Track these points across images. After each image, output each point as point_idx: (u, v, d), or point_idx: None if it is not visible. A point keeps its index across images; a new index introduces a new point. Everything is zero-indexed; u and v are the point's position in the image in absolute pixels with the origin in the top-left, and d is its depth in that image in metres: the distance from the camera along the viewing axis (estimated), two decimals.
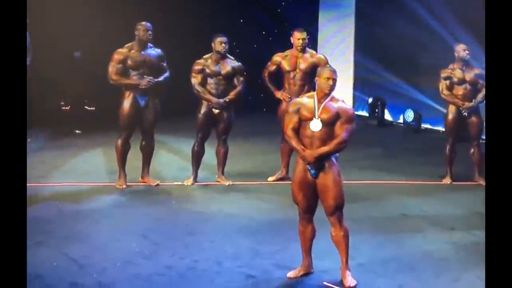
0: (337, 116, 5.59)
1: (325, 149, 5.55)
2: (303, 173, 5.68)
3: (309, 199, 5.73)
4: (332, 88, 5.64)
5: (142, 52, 8.54)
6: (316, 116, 5.59)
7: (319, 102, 5.64)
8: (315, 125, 5.59)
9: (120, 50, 8.55)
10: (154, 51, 8.63)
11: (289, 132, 5.70)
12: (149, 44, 8.61)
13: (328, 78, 5.64)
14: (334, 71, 5.71)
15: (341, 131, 5.57)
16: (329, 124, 5.58)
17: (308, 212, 5.80)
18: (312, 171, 5.62)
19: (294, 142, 5.67)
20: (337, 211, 5.66)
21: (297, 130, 5.70)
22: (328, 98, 5.64)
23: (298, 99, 5.84)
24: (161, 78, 8.60)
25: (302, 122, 5.65)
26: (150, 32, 8.52)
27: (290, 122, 5.71)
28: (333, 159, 5.64)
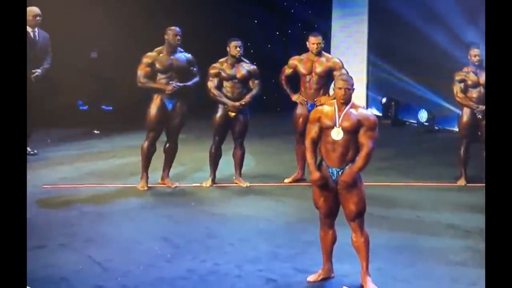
0: (358, 123, 5.62)
1: (358, 166, 5.61)
2: (325, 178, 5.75)
3: (330, 204, 5.80)
4: (345, 97, 5.66)
5: (171, 56, 8.68)
6: (337, 125, 5.65)
7: (339, 110, 5.68)
8: (336, 134, 5.65)
9: (149, 53, 8.69)
10: (183, 56, 8.77)
11: (307, 143, 5.80)
12: (179, 49, 8.75)
13: (340, 88, 5.68)
14: (347, 80, 5.71)
15: (365, 140, 5.61)
16: (350, 132, 5.62)
17: (329, 217, 5.87)
18: (334, 177, 5.71)
19: (308, 156, 5.76)
20: (358, 217, 5.73)
21: (316, 141, 5.77)
22: (349, 106, 5.68)
23: (319, 107, 5.91)
24: (189, 83, 8.75)
25: (324, 130, 5.71)
26: (178, 37, 8.66)
27: (309, 132, 5.79)
28: None
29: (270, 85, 10.49)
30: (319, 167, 5.79)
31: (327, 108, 5.78)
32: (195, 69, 8.85)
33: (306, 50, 9.27)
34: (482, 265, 6.30)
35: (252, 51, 12.57)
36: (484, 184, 9.10)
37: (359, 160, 5.63)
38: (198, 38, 13.41)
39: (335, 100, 5.79)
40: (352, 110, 5.69)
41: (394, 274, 6.16)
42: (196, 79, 8.83)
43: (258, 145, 11.30)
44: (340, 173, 5.69)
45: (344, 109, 5.68)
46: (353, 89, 5.75)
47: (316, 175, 5.73)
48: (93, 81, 13.89)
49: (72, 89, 13.59)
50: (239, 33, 9.47)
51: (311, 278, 5.98)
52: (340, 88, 5.68)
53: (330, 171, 5.73)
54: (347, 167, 5.68)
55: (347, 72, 8.94)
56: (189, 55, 8.84)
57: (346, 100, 5.68)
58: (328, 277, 5.98)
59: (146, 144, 8.78)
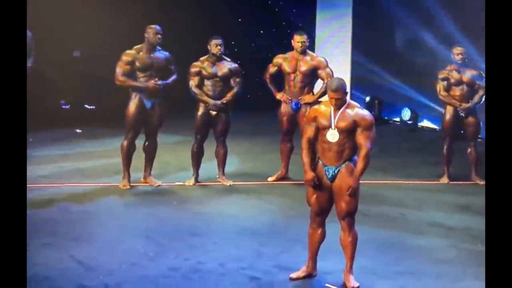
0: (354, 124, 5.60)
1: (359, 169, 5.59)
2: (319, 176, 5.73)
3: (322, 202, 5.79)
4: (337, 105, 5.63)
5: (151, 55, 8.63)
6: (333, 127, 5.64)
7: (335, 110, 5.66)
8: (332, 136, 5.63)
9: (128, 51, 8.64)
10: (162, 54, 8.73)
11: (303, 142, 5.79)
12: (158, 47, 8.71)
13: (331, 98, 5.65)
14: (336, 91, 5.60)
15: (362, 140, 5.59)
16: (346, 132, 5.60)
17: (320, 215, 5.86)
18: (329, 175, 5.70)
19: (304, 155, 5.74)
20: (348, 216, 5.73)
21: (313, 141, 5.77)
22: (345, 106, 5.65)
23: (316, 107, 5.86)
24: (169, 81, 8.71)
25: (320, 130, 5.70)
26: (159, 36, 8.61)
27: (306, 132, 5.79)
28: (352, 164, 5.68)
29: (254, 84, 10.48)
30: (315, 165, 5.78)
31: (323, 107, 5.76)
32: (173, 67, 8.81)
33: (290, 48, 9.27)
34: (466, 262, 6.41)
35: (236, 49, 12.58)
36: (467, 182, 9.36)
37: (359, 162, 5.62)
38: (181, 36, 13.43)
39: None
40: (348, 110, 5.66)
41: (377, 272, 6.17)
42: (174, 76, 8.79)
43: (242, 144, 11.30)
44: (336, 171, 5.69)
45: (340, 109, 5.66)
46: (346, 93, 5.70)
47: (310, 174, 5.72)
48: (76, 80, 13.84)
49: (55, 88, 13.54)
50: (222, 32, 9.47)
51: (293, 275, 5.96)
52: (331, 98, 5.66)
53: (326, 170, 5.72)
54: (343, 165, 5.68)
55: (332, 72, 9.05)
56: (167, 53, 8.80)
57: (338, 107, 5.66)
58: (311, 274, 5.97)
59: (125, 143, 8.74)
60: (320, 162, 5.77)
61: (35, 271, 5.92)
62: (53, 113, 13.25)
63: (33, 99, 11.79)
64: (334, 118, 5.65)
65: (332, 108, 5.67)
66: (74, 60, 14.13)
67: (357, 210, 5.78)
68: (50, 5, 12.79)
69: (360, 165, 5.62)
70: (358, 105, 5.77)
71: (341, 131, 5.62)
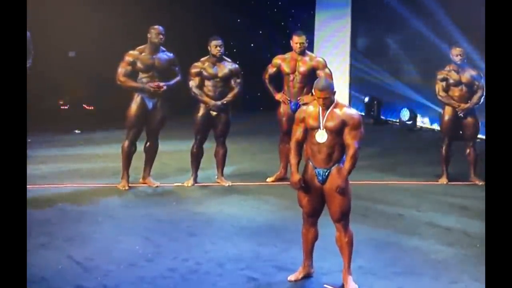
0: (342, 123, 5.57)
1: (347, 168, 5.55)
2: (310, 178, 5.72)
3: (314, 204, 5.77)
4: (325, 105, 5.60)
5: (153, 56, 8.62)
6: (321, 127, 5.61)
7: (323, 110, 5.63)
8: (321, 137, 5.60)
9: (131, 52, 8.64)
10: (165, 55, 8.72)
11: (292, 144, 5.77)
12: (162, 48, 8.70)
13: (319, 98, 5.62)
14: (323, 90, 5.58)
15: (350, 140, 5.55)
16: (335, 132, 5.57)
17: (312, 216, 5.84)
18: (320, 177, 5.69)
19: (291, 156, 5.72)
20: (343, 217, 5.69)
21: (301, 142, 5.74)
22: (332, 106, 5.62)
23: (304, 107, 5.84)
24: (170, 83, 8.70)
25: (309, 131, 5.67)
26: (161, 36, 8.60)
27: (294, 133, 5.76)
28: (341, 165, 5.64)
29: (253, 84, 10.46)
30: (305, 167, 5.76)
31: (311, 108, 5.73)
32: (176, 68, 8.81)
33: (289, 49, 9.26)
34: (463, 263, 6.40)
35: (235, 50, 12.57)
36: (465, 183, 9.35)
37: (347, 162, 5.59)
38: (180, 36, 13.42)
39: None
40: (336, 110, 5.62)
41: (375, 272, 6.16)
42: (178, 78, 8.78)
43: (241, 144, 11.30)
44: (326, 173, 5.66)
45: (328, 109, 5.63)
46: (334, 93, 5.67)
47: (296, 177, 5.70)
48: (75, 80, 13.84)
49: (53, 89, 13.54)
50: (222, 32, 9.46)
51: (291, 277, 5.94)
52: (318, 98, 5.63)
53: (316, 172, 5.69)
54: (333, 167, 5.65)
55: (331, 72, 9.05)
56: (171, 55, 8.79)
57: (326, 106, 5.63)
58: (308, 273, 5.95)
59: (126, 143, 8.73)
60: (311, 163, 5.74)
61: (32, 272, 5.88)
62: (52, 114, 13.24)
63: (32, 99, 11.88)
64: (323, 118, 5.62)
65: (320, 108, 5.65)
66: (71, 60, 14.12)
67: (350, 210, 5.74)
68: (46, 5, 12.77)
69: (347, 164, 5.58)
70: (346, 105, 5.76)
71: (329, 131, 5.59)
